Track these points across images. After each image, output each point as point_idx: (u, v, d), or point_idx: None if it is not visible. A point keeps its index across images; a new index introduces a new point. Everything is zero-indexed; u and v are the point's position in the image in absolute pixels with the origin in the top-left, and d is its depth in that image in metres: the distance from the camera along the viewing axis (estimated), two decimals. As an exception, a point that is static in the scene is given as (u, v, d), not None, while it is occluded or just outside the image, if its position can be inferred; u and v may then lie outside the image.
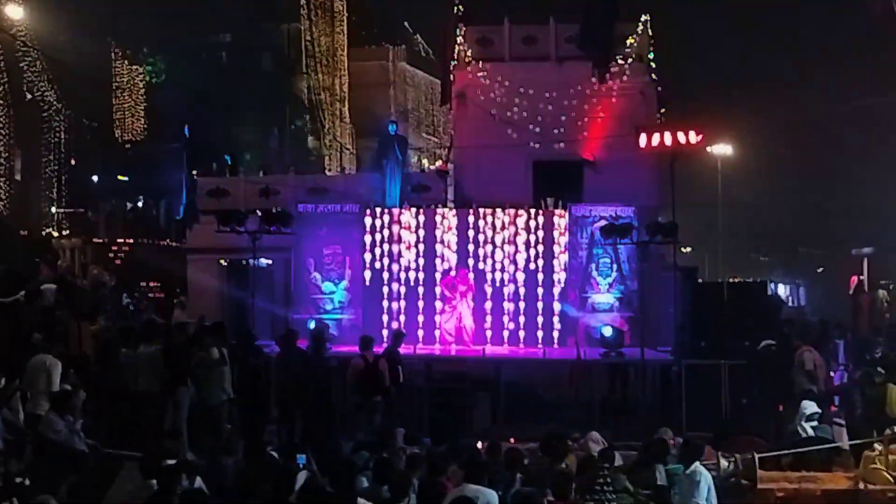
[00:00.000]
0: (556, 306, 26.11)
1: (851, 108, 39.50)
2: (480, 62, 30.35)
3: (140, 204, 50.80)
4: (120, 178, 50.46)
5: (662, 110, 30.75)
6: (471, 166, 30.08)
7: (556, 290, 26.13)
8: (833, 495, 15.07)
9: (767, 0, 64.05)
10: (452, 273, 26.31)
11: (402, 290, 26.41)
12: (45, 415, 15.38)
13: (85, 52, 46.57)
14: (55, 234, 42.82)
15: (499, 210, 26.47)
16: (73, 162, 47.56)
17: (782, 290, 60.88)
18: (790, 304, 54.05)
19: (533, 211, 26.48)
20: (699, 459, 14.01)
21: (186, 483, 11.87)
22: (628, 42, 29.82)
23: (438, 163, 42.98)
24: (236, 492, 12.14)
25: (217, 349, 19.07)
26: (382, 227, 26.54)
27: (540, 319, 26.14)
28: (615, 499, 13.07)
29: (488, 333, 26.12)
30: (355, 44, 56.33)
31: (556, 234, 26.30)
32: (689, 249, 49.86)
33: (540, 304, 26.18)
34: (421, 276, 26.42)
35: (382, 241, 26.50)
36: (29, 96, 45.53)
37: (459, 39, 30.36)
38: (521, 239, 26.35)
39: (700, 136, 24.26)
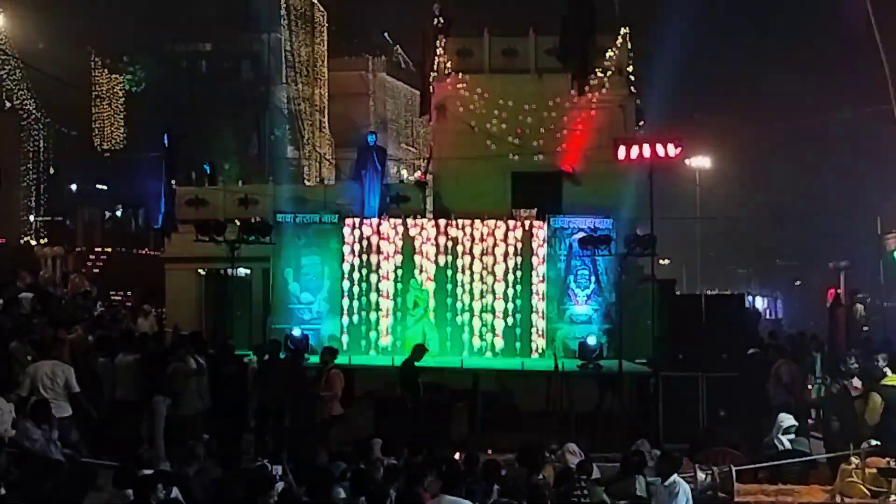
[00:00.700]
0: (534, 317, 26.11)
1: (829, 120, 39.68)
2: (460, 73, 30.40)
3: (118, 213, 50.50)
4: (98, 186, 50.17)
5: (641, 123, 30.89)
6: (450, 177, 30.12)
7: (535, 301, 26.12)
8: (810, 508, 15.08)
9: (746, 13, 64.25)
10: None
11: (381, 300, 26.37)
12: (22, 423, 15.28)
13: (65, 61, 46.29)
14: (33, 242, 42.55)
15: (477, 221, 26.46)
16: (51, 170, 47.23)
17: (760, 303, 60.98)
18: (768, 316, 54.19)
19: (511, 222, 26.49)
20: (677, 471, 14.00)
21: (163, 493, 11.80)
22: (607, 55, 29.91)
23: (417, 174, 43.06)
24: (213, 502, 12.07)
25: (194, 359, 19.00)
26: (361, 237, 26.51)
27: (518, 330, 26.13)
28: (593, 511, 13.07)
29: (466, 344, 26.10)
30: (335, 54, 56.15)
31: (534, 245, 26.31)
32: (667, 262, 49.95)
33: (518, 315, 26.18)
34: (399, 286, 26.39)
35: (361, 252, 26.46)
36: (8, 105, 45.22)
37: (439, 51, 30.41)
38: (499, 250, 26.36)
39: (678, 149, 24.34)
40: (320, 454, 14.95)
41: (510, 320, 26.21)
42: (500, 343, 26.17)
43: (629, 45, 30.22)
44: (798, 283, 59.71)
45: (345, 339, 26.07)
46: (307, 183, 47.46)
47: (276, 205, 28.95)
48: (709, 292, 36.97)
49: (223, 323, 25.86)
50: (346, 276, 26.39)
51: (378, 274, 26.42)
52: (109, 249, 41.79)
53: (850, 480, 15.06)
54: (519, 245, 26.33)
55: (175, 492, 12.14)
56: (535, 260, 26.31)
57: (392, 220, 26.89)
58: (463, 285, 26.35)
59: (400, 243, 26.48)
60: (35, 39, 46.49)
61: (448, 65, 30.38)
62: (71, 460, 15.59)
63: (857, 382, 18.45)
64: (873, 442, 15.66)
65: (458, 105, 30.23)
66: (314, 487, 12.42)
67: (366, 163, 28.68)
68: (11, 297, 23.66)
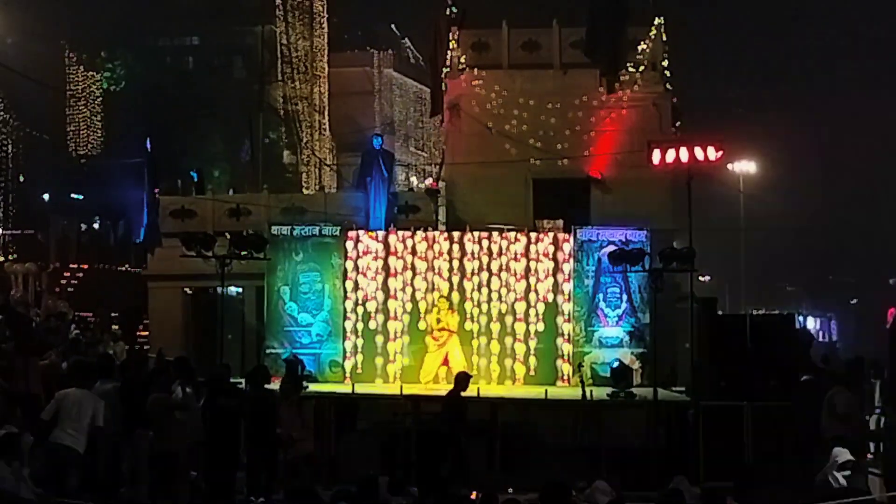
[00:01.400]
0: (559, 340, 26.12)
1: (889, 122, 39.66)
2: (476, 69, 30.48)
3: (96, 225, 50.66)
4: (73, 196, 50.33)
5: (678, 123, 30.87)
6: (465, 184, 30.18)
7: (560, 322, 26.13)
8: (868, 552, 15.05)
9: (794, 4, 64.16)
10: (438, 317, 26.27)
11: (389, 321, 26.40)
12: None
13: (36, 57, 46.52)
14: (1, 258, 42.69)
15: (495, 234, 26.50)
16: (21, 178, 47.46)
17: (811, 324, 60.86)
18: (820, 338, 54.07)
19: (533, 234, 26.52)
20: (720, 512, 14.00)
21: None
22: (640, 48, 29.97)
23: (429, 181, 43.13)
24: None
25: (182, 388, 18.96)
26: (366, 251, 26.54)
27: (541, 355, 26.14)
28: (625, 555, 13.07)
29: (483, 371, 26.09)
30: (336, 48, 56.35)
31: (559, 259, 26.33)
32: (707, 278, 49.90)
33: (541, 338, 26.19)
34: (409, 306, 26.41)
35: (366, 268, 26.50)
36: (-28, 106, 45.53)
37: (452, 44, 30.47)
38: (520, 265, 26.38)
39: (719, 152, 24.35)
40: (321, 493, 14.96)
41: (532, 344, 26.22)
42: (521, 370, 26.17)
43: (664, 37, 30.25)
44: (854, 301, 59.62)
45: (348, 364, 26.11)
46: (305, 191, 47.63)
47: (271, 216, 29.05)
48: (754, 312, 37.01)
49: (212, 347, 25.83)
50: (348, 294, 26.43)
51: (385, 292, 26.45)
52: (86, 266, 41.88)
53: (913, 521, 15.03)
54: (542, 260, 26.35)
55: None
56: (560, 276, 26.33)
57: (400, 233, 26.95)
58: (479, 305, 26.37)
59: (409, 258, 26.51)
60: (3, 33, 46.70)
61: (462, 60, 30.46)
62: (43, 501, 15.62)
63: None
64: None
65: (473, 104, 30.32)
66: (315, 530, 12.45)
67: (371, 169, 28.78)
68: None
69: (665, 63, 30.33)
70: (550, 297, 26.32)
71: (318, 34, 54.76)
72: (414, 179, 54.79)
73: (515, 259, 26.43)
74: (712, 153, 24.09)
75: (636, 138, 27.98)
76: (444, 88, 31.00)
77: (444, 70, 30.76)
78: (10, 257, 42.53)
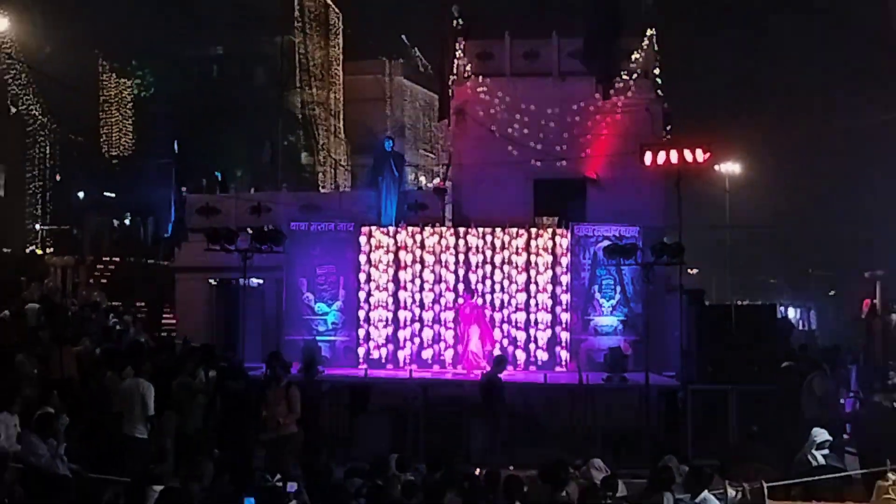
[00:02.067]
0: (557, 329, 26.09)
1: (866, 126, 39.55)
2: (480, 77, 30.44)
3: (127, 221, 50.59)
4: (106, 194, 50.28)
5: (668, 127, 30.81)
6: (470, 184, 30.12)
7: (558, 312, 26.11)
8: (844, 526, 15.03)
9: (779, 14, 64.09)
10: (460, 301, 26.14)
11: (400, 311, 26.38)
12: (27, 438, 15.35)
13: (72, 65, 46.49)
14: (39, 251, 42.70)
15: (498, 229, 26.47)
16: (58, 177, 47.43)
17: (792, 314, 60.75)
18: (800, 327, 54.00)
19: (534, 230, 26.50)
20: (707, 489, 13.97)
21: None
22: (633, 57, 29.90)
23: (436, 180, 43.07)
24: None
25: (204, 373, 18.99)
26: (378, 246, 26.52)
27: (541, 342, 26.12)
28: (618, 529, 13.05)
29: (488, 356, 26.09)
30: (351, 57, 56.28)
31: (558, 254, 26.30)
32: (695, 271, 49.74)
33: (541, 327, 26.17)
34: (418, 297, 26.40)
35: (378, 261, 26.48)
36: (13, 110, 45.40)
37: (459, 54, 30.44)
38: (521, 259, 26.37)
39: (707, 155, 24.37)
40: (335, 471, 14.96)
41: (533, 331, 26.21)
42: (521, 355, 26.15)
43: (656, 47, 30.19)
44: (832, 293, 59.47)
45: (361, 350, 26.10)
46: (322, 190, 47.62)
47: (290, 213, 29.00)
48: (739, 303, 36.96)
49: (234, 335, 25.87)
50: (362, 285, 26.42)
51: (395, 284, 26.43)
52: (118, 259, 41.87)
53: (887, 497, 14.97)
54: (541, 254, 26.34)
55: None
56: (558, 269, 26.32)
57: (410, 229, 26.94)
58: (483, 296, 26.34)
59: (418, 252, 26.50)
60: (41, 43, 46.66)
61: (467, 68, 30.42)
62: (77, 476, 15.63)
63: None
64: (910, 457, 15.59)
65: (478, 109, 30.28)
66: (329, 505, 12.45)
67: (383, 169, 28.77)
68: (17, 307, 23.78)
69: (657, 71, 30.28)
70: (549, 288, 26.31)
71: (333, 44, 54.77)
72: (423, 179, 54.65)
73: (517, 253, 26.43)
74: (700, 155, 24.11)
75: (629, 141, 27.94)
76: (450, 95, 30.97)
77: (451, 78, 30.73)
78: (47, 250, 42.56)
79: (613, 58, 29.66)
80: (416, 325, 26.37)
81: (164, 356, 21.67)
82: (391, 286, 26.43)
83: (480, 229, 26.55)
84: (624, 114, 29.74)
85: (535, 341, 26.16)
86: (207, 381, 19.14)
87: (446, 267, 26.47)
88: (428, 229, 26.86)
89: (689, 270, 34.78)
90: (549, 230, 26.59)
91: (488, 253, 26.43)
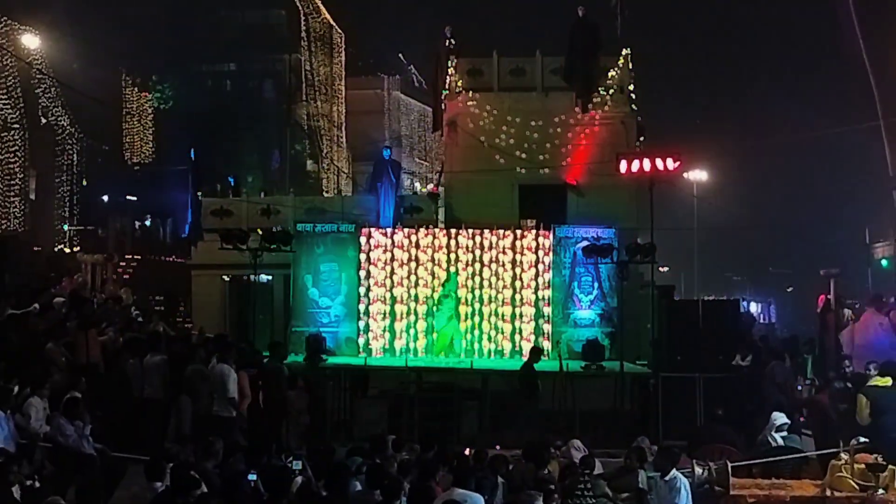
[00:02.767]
0: (540, 321, 26.08)
1: (821, 135, 39.68)
2: (470, 92, 30.40)
3: (147, 222, 50.60)
4: (128, 197, 50.26)
5: (642, 138, 30.83)
6: (461, 189, 30.13)
7: (541, 306, 26.11)
8: (801, 501, 15.03)
9: (740, 34, 64.40)
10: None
11: (396, 305, 26.37)
12: (56, 420, 15.35)
13: (97, 80, 46.51)
14: (67, 249, 42.68)
15: (486, 231, 26.45)
16: (84, 182, 47.42)
17: (754, 308, 60.99)
18: (761, 320, 54.13)
19: (519, 232, 26.49)
20: (675, 467, 14.01)
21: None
22: (610, 74, 29.88)
23: (430, 186, 43.10)
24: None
25: (217, 361, 18.91)
26: (377, 245, 26.51)
27: (525, 333, 26.11)
28: (595, 503, 13.06)
29: (476, 346, 26.08)
30: (352, 73, 56.35)
31: (540, 253, 26.29)
32: (666, 269, 49.78)
33: (525, 319, 26.16)
34: (412, 292, 26.39)
35: (377, 259, 26.47)
36: (44, 121, 45.37)
37: (451, 70, 30.40)
38: (507, 258, 26.34)
39: (677, 163, 24.36)
40: (337, 450, 14.99)
41: (518, 323, 26.18)
42: (507, 345, 26.14)
43: (630, 66, 30.16)
44: (790, 289, 59.60)
45: (361, 341, 26.08)
46: (326, 194, 47.64)
47: (297, 215, 28.98)
48: (706, 298, 36.98)
49: (246, 326, 25.88)
50: (362, 281, 26.40)
51: (392, 280, 26.42)
52: (139, 257, 41.89)
53: (840, 475, 15.00)
54: (526, 253, 26.31)
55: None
56: (541, 267, 26.28)
57: (406, 230, 26.89)
58: (473, 291, 26.32)
59: (413, 251, 26.48)
60: (69, 59, 46.67)
61: (459, 83, 30.38)
62: (102, 454, 15.64)
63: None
64: (861, 439, 15.61)
65: (468, 121, 30.25)
66: (332, 481, 12.45)
67: (381, 176, 28.77)
68: (47, 301, 23.70)
69: (631, 87, 30.24)
70: (533, 284, 26.24)
71: (336, 61, 54.83)
72: (418, 185, 54.74)
73: (503, 252, 26.36)
74: (671, 164, 24.10)
75: (606, 151, 27.93)
76: (443, 108, 30.91)
77: (444, 92, 30.68)
78: (74, 249, 42.57)
79: (592, 75, 29.66)
80: (412, 318, 26.33)
81: (180, 345, 21.63)
82: (388, 282, 26.37)
83: (470, 230, 26.49)
84: (601, 126, 29.73)
85: (521, 333, 26.11)
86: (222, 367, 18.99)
87: (439, 265, 26.43)
88: (422, 230, 26.81)
89: (660, 268, 34.82)
90: (533, 231, 26.52)
91: (477, 252, 26.35)
